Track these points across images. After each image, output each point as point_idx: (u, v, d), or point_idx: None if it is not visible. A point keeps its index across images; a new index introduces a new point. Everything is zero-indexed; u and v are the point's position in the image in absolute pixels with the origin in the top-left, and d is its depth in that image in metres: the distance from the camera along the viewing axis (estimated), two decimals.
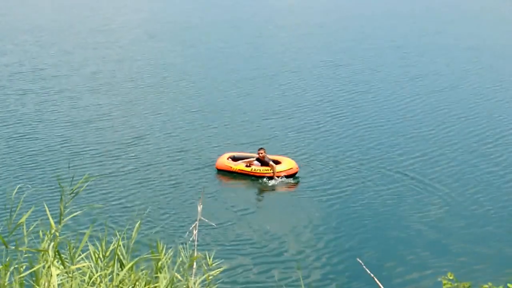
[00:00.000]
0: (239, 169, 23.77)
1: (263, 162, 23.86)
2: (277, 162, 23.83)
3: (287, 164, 23.72)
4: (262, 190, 23.48)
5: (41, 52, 42.44)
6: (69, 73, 37.19)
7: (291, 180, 23.55)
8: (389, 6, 67.72)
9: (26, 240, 6.15)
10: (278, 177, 23.45)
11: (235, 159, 24.28)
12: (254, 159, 24.08)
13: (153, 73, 38.25)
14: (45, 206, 6.31)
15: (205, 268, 7.15)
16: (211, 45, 46.97)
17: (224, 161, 24.10)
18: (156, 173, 23.80)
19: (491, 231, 20.50)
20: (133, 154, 25.37)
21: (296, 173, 23.66)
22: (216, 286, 7.04)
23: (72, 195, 6.16)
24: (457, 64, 42.87)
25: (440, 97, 34.63)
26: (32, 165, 23.94)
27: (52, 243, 6.00)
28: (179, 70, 39.09)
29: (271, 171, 23.51)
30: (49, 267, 5.95)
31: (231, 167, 23.85)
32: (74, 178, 6.40)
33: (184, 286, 6.97)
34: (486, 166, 25.54)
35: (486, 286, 5.97)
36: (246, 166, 23.89)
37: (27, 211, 6.31)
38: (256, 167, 23.81)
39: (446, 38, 51.08)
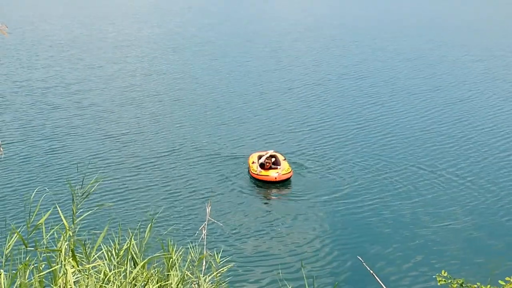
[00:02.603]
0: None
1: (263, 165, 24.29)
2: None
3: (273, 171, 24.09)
4: (272, 192, 23.46)
5: (69, 67, 42.48)
6: (96, 88, 37.20)
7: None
8: (395, 18, 67.58)
9: (45, 240, 6.12)
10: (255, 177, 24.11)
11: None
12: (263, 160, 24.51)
13: (179, 86, 38.11)
14: (58, 208, 6.28)
15: (214, 266, 7.13)
16: (232, 58, 46.84)
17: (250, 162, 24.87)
18: (175, 178, 23.86)
19: (490, 232, 20.31)
20: (157, 163, 25.46)
21: (273, 181, 23.87)
22: (225, 283, 6.98)
23: (84, 197, 6.13)
24: (467, 74, 42.39)
25: (455, 108, 34.14)
26: (58, 172, 24.02)
27: (68, 243, 5.97)
28: (204, 83, 38.94)
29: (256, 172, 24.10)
30: (65, 266, 5.91)
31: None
32: (84, 182, 6.36)
33: (194, 283, 6.94)
34: (491, 170, 25.33)
35: (475, 286, 5.94)
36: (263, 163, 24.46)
37: (46, 213, 6.28)
38: (255, 166, 24.31)
39: (454, 50, 50.77)
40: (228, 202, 22.13)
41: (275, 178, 23.62)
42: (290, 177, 24.07)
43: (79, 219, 6.11)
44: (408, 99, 36.03)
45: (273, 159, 24.85)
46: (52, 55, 46.15)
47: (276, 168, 24.12)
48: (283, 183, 23.91)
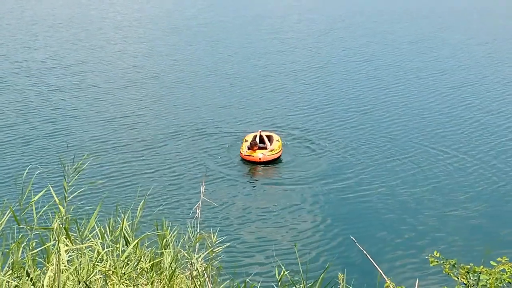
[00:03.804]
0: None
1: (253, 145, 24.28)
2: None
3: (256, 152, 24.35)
4: (269, 173, 23.57)
5: (68, 48, 42.31)
6: (96, 69, 37.08)
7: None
8: (401, 2, 67.22)
9: (35, 219, 6.11)
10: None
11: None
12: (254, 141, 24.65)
13: (180, 68, 37.93)
14: (50, 186, 6.28)
15: (209, 245, 7.14)
16: (233, 40, 46.64)
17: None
18: (175, 159, 23.94)
19: (494, 218, 20.31)
20: (157, 144, 25.52)
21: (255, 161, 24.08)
22: (217, 261, 7.01)
23: (75, 173, 6.12)
24: (470, 58, 42.13)
25: (460, 91, 33.74)
26: (58, 154, 24.04)
27: (61, 221, 5.97)
28: (206, 65, 38.76)
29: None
30: (59, 244, 5.93)
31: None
32: (80, 161, 6.35)
33: (189, 263, 6.96)
34: (497, 155, 25.27)
35: (468, 266, 5.97)
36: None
37: (40, 191, 6.28)
38: (244, 146, 24.51)
39: (457, 33, 50.50)
40: (223, 183, 22.22)
41: (260, 158, 23.83)
42: (277, 158, 24.24)
43: (72, 196, 6.10)
44: (413, 82, 35.82)
45: (265, 140, 24.99)
46: (51, 36, 46.01)
47: (265, 149, 24.30)
48: (281, 164, 24.07)
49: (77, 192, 6.45)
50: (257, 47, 44.35)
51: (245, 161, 24.09)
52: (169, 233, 7.02)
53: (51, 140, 25.47)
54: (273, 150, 24.22)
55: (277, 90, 33.74)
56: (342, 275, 6.12)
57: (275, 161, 24.18)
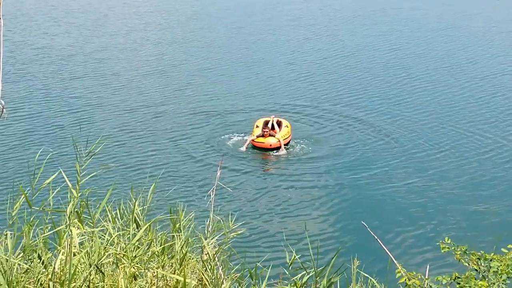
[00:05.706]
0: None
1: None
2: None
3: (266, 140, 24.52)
4: (279, 160, 23.64)
5: (89, 35, 42.37)
6: (118, 57, 37.13)
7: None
8: None
9: (51, 201, 6.17)
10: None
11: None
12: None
13: (203, 55, 37.85)
14: (61, 170, 6.32)
15: (222, 230, 7.16)
16: (255, 26, 46.47)
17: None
18: (193, 146, 24.07)
19: (496, 202, 20.18)
20: (178, 131, 25.68)
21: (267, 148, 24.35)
22: (228, 246, 7.02)
23: (88, 156, 6.15)
24: (495, 46, 41.58)
25: (485, 82, 33.29)
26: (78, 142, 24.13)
27: (73, 204, 6.01)
28: (227, 53, 38.71)
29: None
30: (70, 227, 5.97)
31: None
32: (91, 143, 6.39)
33: (199, 247, 6.98)
34: (494, 141, 25.08)
35: (479, 253, 5.96)
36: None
37: (53, 174, 6.32)
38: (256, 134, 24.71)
39: (482, 22, 49.91)
40: (238, 169, 22.38)
41: (270, 145, 24.21)
42: (286, 143, 24.46)
43: (84, 180, 6.13)
44: (437, 70, 35.34)
45: (276, 126, 25.32)
46: (72, 22, 46.14)
47: (274, 136, 24.55)
48: (297, 151, 24.29)
49: (90, 176, 6.51)
50: (279, 34, 44.21)
51: (255, 147, 24.35)
52: (181, 217, 7.03)
53: (72, 128, 25.54)
54: (283, 136, 24.49)
55: (300, 78, 33.64)
56: (356, 262, 6.12)
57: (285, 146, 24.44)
